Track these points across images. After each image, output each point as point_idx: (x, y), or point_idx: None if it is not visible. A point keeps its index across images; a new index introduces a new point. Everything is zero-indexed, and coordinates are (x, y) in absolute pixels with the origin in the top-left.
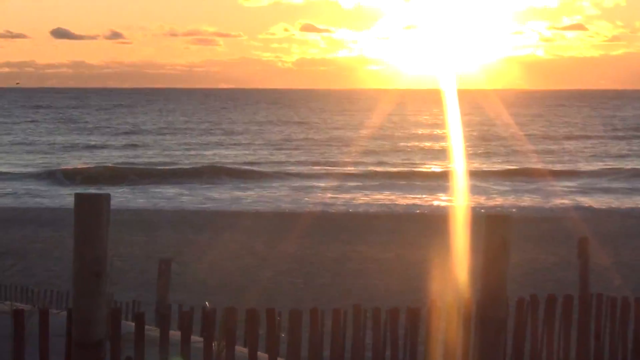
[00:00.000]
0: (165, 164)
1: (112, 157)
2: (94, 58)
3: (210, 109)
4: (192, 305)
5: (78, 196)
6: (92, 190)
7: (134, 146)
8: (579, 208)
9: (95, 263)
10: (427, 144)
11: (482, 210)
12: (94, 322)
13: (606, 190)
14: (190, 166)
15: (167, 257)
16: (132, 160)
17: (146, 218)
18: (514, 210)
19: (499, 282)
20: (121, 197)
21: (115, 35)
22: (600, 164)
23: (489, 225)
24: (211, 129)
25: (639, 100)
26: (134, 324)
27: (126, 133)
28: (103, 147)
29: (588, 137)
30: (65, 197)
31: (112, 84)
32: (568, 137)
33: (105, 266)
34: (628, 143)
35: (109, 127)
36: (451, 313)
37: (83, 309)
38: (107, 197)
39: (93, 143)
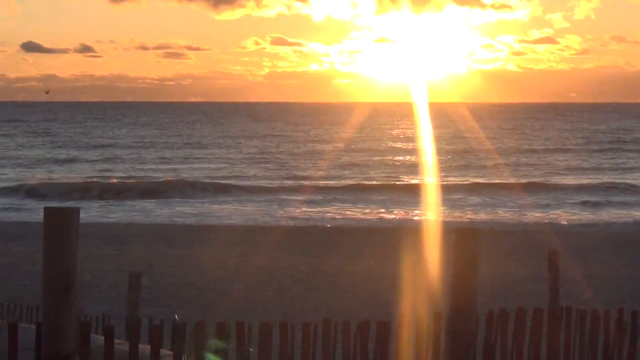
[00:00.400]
0: (139, 177)
1: (86, 171)
2: (65, 72)
3: (184, 122)
4: (162, 318)
5: (47, 210)
6: (68, 203)
7: (107, 160)
8: (551, 221)
9: (64, 277)
10: (400, 157)
11: (454, 224)
12: (63, 336)
13: (578, 204)
14: (164, 180)
15: (137, 271)
16: (105, 174)
17: (117, 232)
18: (485, 223)
19: (468, 296)
20: (94, 210)
21: (85, 49)
22: (573, 177)
23: (459, 239)
24: (186, 143)
25: (610, 113)
26: (103, 337)
27: (100, 146)
28: (76, 160)
29: (561, 151)
30: (37, 210)
31: (83, 98)
32: (541, 151)
33: (74, 280)
34: (602, 156)
35: (82, 141)
36: (421, 327)
37: (52, 322)
38: (77, 210)
39: (66, 157)
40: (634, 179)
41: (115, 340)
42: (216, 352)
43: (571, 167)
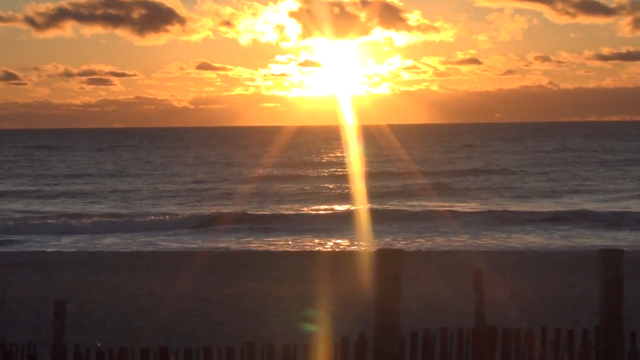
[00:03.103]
0: (66, 211)
1: (10, 202)
2: None
3: (112, 149)
4: (88, 346)
5: None
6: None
7: (33, 191)
8: (479, 242)
9: None
10: (329, 183)
11: (380, 247)
12: None
13: (508, 226)
14: (94, 210)
15: (62, 299)
16: (29, 207)
17: (42, 260)
18: (414, 245)
19: (391, 317)
20: (19, 240)
21: (9, 77)
22: (504, 199)
23: (381, 260)
24: (118, 171)
25: (535, 131)
26: None
27: (27, 176)
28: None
29: (488, 172)
30: None
31: (6, 126)
32: (471, 172)
33: None
34: (523, 178)
35: (13, 171)
36: (345, 348)
37: None
38: None
39: None
40: (569, 204)
41: None
42: None
43: (500, 190)
